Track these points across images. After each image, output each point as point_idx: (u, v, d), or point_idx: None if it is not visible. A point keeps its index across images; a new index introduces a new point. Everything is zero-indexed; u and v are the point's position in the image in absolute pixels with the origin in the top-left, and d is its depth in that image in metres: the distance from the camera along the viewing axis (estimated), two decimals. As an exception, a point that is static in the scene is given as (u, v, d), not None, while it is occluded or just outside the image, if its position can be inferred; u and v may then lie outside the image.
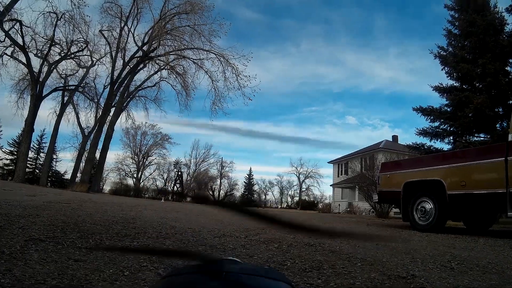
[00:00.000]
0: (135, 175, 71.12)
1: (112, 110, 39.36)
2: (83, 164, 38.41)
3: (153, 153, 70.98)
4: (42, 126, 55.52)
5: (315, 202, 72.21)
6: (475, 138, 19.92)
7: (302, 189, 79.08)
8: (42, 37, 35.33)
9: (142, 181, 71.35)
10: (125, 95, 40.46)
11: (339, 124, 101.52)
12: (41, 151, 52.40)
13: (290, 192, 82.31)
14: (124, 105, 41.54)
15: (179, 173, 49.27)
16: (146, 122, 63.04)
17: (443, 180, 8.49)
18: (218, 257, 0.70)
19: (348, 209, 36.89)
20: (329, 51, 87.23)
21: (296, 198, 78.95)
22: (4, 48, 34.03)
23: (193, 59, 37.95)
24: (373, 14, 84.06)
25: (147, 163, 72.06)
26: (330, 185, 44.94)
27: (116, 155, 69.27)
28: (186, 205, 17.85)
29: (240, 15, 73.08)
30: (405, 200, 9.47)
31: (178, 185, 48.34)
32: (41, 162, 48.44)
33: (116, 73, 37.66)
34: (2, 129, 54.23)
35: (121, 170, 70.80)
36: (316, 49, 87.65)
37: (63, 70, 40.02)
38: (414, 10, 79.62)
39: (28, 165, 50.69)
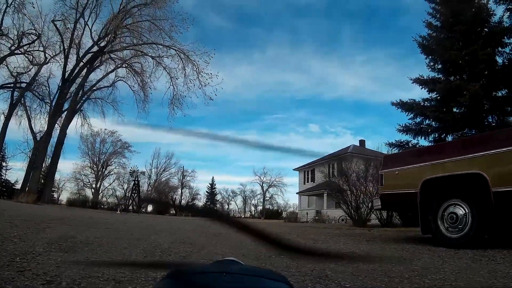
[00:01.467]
0: (93, 186, 67.28)
1: (65, 112, 35.38)
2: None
3: (112, 162, 67.64)
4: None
5: (279, 211, 70.10)
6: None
7: (266, 198, 77.12)
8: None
9: (101, 192, 67.55)
10: (79, 95, 36.41)
11: (302, 132, 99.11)
12: (-12, 158, 47.00)
13: (253, 201, 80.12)
14: (78, 106, 37.50)
15: (136, 181, 45.11)
16: (105, 129, 59.94)
17: (485, 174, 5.63)
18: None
19: (316, 217, 34.03)
20: (294, 59, 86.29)
21: (260, 207, 77.13)
22: None
23: (152, 56, 34.57)
24: (339, 24, 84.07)
25: (106, 172, 68.43)
26: (296, 193, 42.07)
27: (74, 164, 64.91)
28: (136, 217, 15.01)
29: (208, 21, 70.39)
30: (425, 204, 6.51)
31: (135, 195, 44.18)
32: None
33: (69, 71, 33.76)
34: None
35: (79, 180, 66.87)
36: (282, 57, 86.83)
37: (14, 67, 35.56)
38: (380, 21, 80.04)
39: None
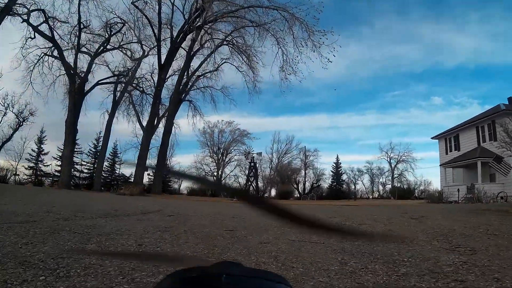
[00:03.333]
0: (215, 174, 66.60)
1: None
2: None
3: (232, 150, 66.97)
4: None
5: (411, 189, 62.27)
6: None
7: (395, 176, 69.32)
8: (74, 27, 29.92)
9: (223, 179, 66.30)
10: (183, 81, 33.35)
11: (424, 106, 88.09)
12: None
13: (381, 180, 71.18)
14: (184, 95, 34.61)
15: (252, 163, 40.81)
16: (222, 120, 61.41)
17: None
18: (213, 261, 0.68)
19: (469, 196, 25.76)
20: (404, 28, 74.77)
21: (388, 186, 69.23)
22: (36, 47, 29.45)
23: (251, 21, 29.63)
24: None
25: (227, 160, 67.93)
26: (440, 165, 33.44)
27: (194, 156, 65.45)
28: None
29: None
30: None
31: (252, 179, 39.94)
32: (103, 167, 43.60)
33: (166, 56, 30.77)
34: (56, 134, 53.87)
35: (200, 169, 66.41)
36: (390, 28, 75.47)
37: (116, 67, 34.73)
38: None
39: (85, 170, 48.50)
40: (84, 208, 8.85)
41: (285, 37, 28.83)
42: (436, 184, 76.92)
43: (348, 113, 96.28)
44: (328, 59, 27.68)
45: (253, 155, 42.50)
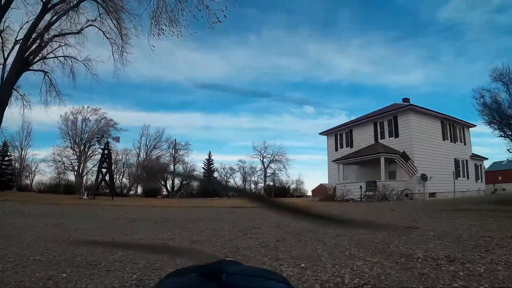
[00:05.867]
0: (76, 168, 56.56)
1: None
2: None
3: (96, 142, 56.44)
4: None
5: (286, 187, 64.09)
6: None
7: (267, 175, 69.78)
8: None
9: (85, 175, 56.67)
10: (31, 38, 24.63)
11: (297, 113, 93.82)
12: None
13: (253, 178, 71.12)
14: (32, 56, 25.75)
15: (106, 151, 30.86)
16: (87, 106, 54.41)
17: None
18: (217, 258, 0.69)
19: (371, 193, 23.17)
20: (291, 42, 77.31)
21: (261, 184, 69.45)
22: None
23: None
24: (337, 6, 74.87)
25: (90, 153, 58.00)
26: (333, 161, 29.84)
27: (54, 147, 57.45)
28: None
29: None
30: None
31: (105, 170, 30.59)
32: None
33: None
34: None
35: (59, 162, 56.24)
36: (277, 40, 76.84)
37: None
38: (378, 2, 71.50)
39: None
40: None
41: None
42: (309, 183, 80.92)
43: (222, 114, 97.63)
44: (218, 17, 21.87)
45: (107, 140, 32.65)
